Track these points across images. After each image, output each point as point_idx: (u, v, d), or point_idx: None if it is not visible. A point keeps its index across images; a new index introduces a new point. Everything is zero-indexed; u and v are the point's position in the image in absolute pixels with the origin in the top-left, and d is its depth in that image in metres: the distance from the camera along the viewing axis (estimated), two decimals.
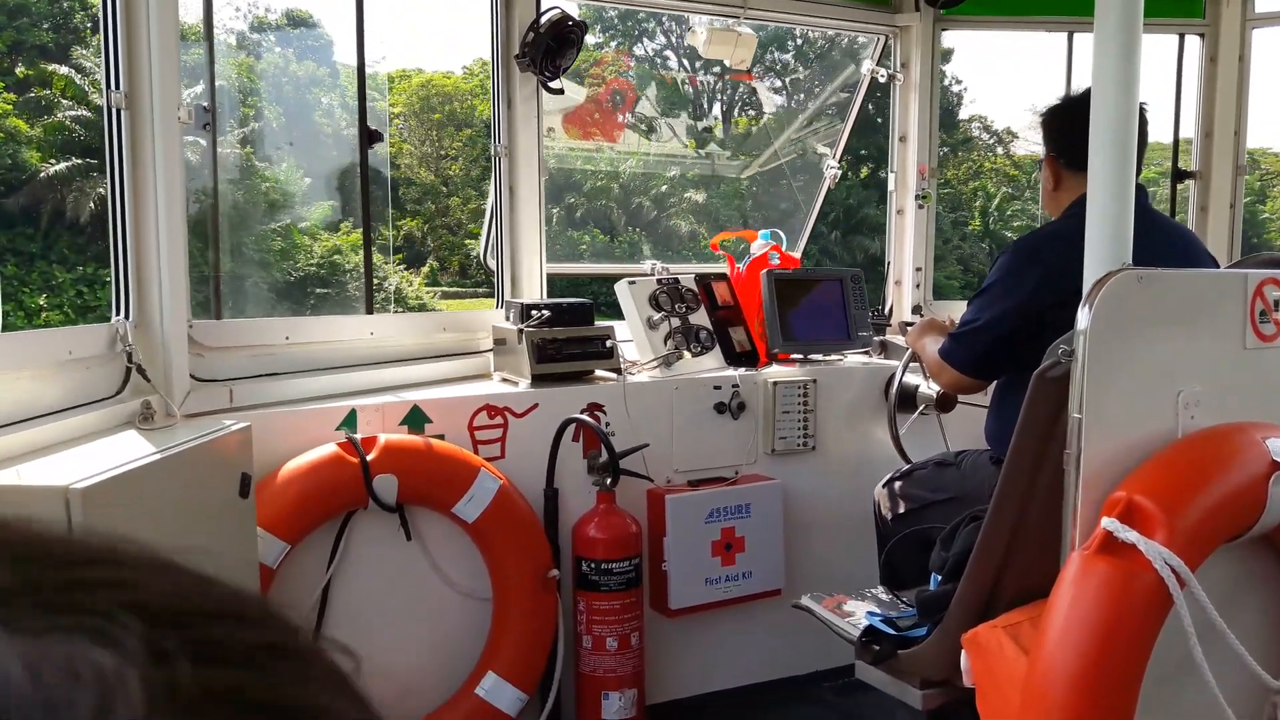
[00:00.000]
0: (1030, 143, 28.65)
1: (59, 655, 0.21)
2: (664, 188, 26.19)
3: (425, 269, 27.80)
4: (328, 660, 0.27)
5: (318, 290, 23.37)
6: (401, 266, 25.93)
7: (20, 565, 0.23)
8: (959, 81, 28.77)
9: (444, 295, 26.22)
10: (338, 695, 0.27)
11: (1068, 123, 2.75)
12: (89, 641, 0.22)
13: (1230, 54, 4.38)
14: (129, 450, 2.08)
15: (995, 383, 2.90)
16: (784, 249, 3.90)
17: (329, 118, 26.58)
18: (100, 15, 2.38)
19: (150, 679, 0.22)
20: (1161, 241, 2.57)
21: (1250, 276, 2.22)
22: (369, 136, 3.18)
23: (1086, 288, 2.07)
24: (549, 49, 3.37)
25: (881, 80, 4.31)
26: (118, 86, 2.40)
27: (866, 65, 4.34)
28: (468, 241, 26.32)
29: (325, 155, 25.60)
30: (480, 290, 25.54)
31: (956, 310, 3.60)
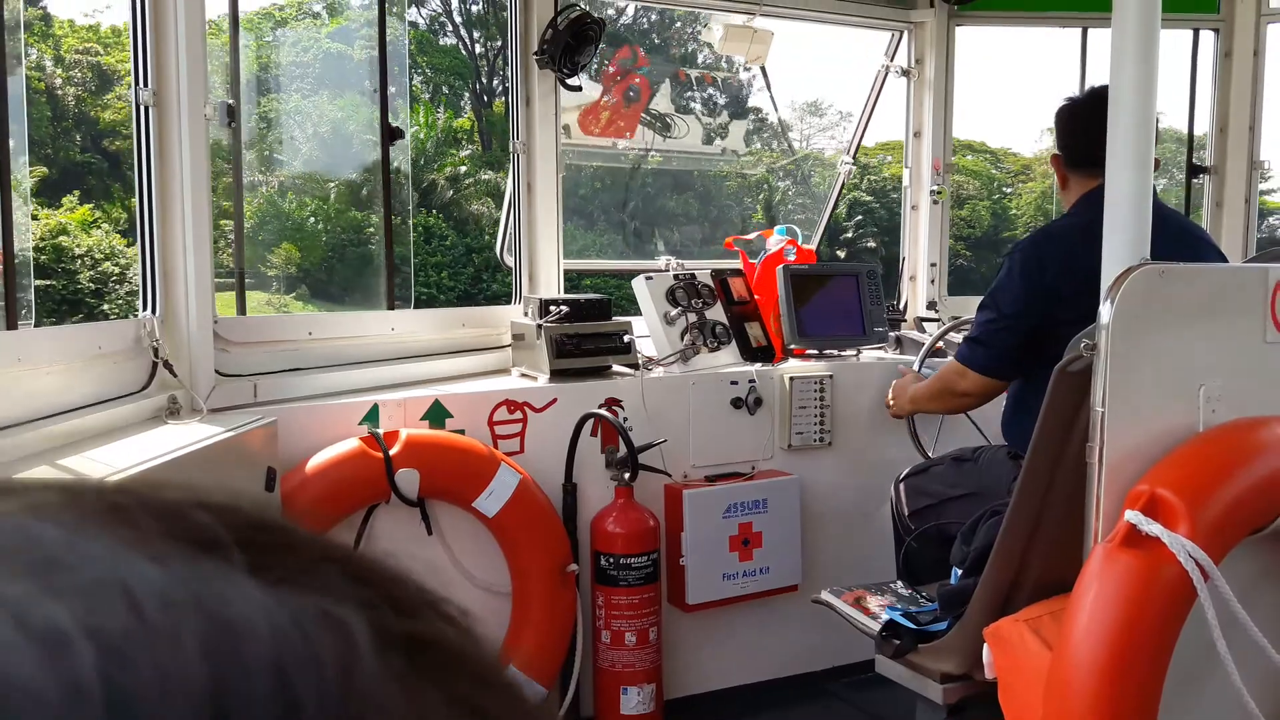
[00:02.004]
0: (802, 135, 28.39)
1: (298, 603, 0.24)
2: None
3: None
4: (471, 621, 0.30)
5: (37, 283, 17.77)
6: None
7: (237, 529, 0.26)
8: (747, 69, 28.17)
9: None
10: (489, 649, 0.30)
11: (1072, 123, 2.78)
12: (313, 593, 0.24)
13: (1245, 49, 4.38)
14: (158, 444, 2.10)
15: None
16: (799, 244, 3.91)
17: (39, 71, 21.91)
18: (129, 14, 2.40)
19: (372, 623, 0.24)
20: (1172, 237, 2.58)
21: (1271, 271, 2.23)
22: (390, 133, 3.19)
23: (1106, 283, 2.08)
24: (568, 46, 3.39)
25: (897, 76, 4.32)
26: (146, 84, 2.42)
27: (882, 61, 4.35)
28: (221, 222, 23.11)
29: (34, 114, 20.89)
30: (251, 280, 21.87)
31: (970, 305, 3.61)
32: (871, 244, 27.01)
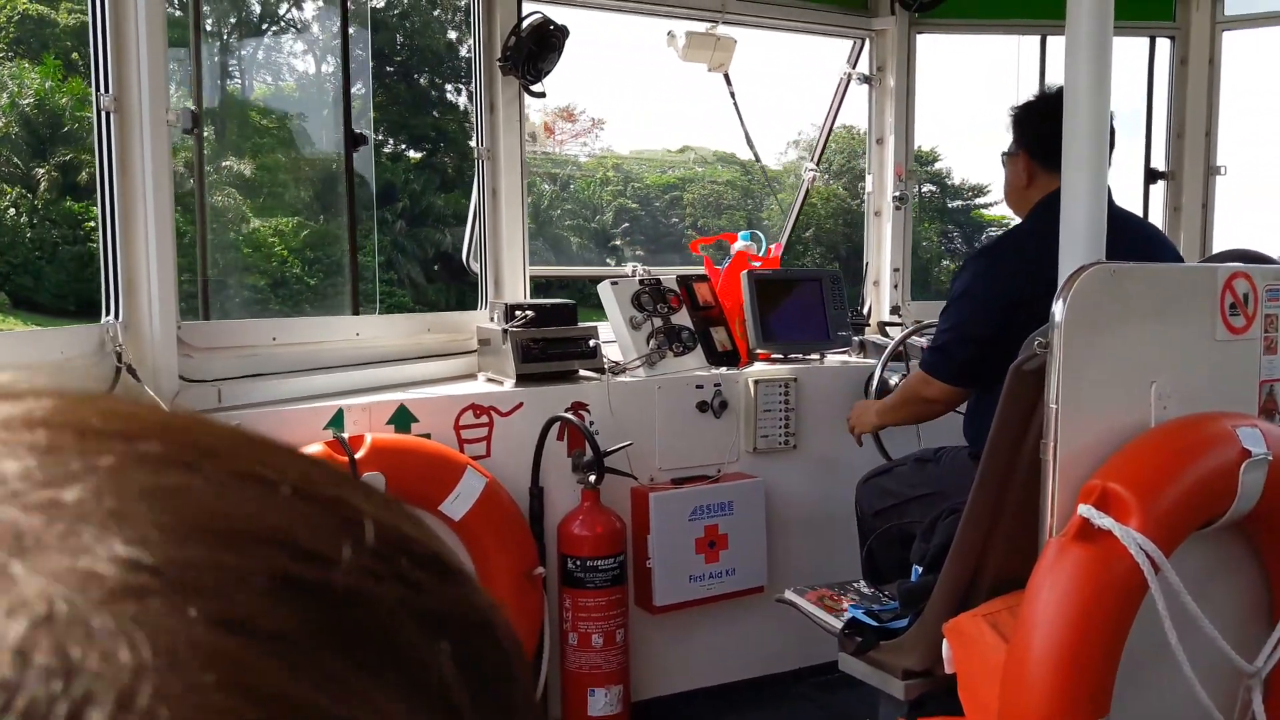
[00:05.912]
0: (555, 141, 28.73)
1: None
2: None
3: None
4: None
5: None
6: None
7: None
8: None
9: None
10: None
11: (1045, 120, 2.78)
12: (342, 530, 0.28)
13: (1200, 56, 4.46)
14: None
15: None
16: (761, 250, 3.95)
17: None
18: (89, 18, 2.39)
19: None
20: (1130, 239, 2.63)
21: (1220, 270, 2.28)
22: (354, 140, 3.20)
23: (1061, 282, 2.12)
24: (531, 53, 3.41)
25: (859, 83, 4.37)
26: (106, 90, 2.41)
27: (844, 68, 4.40)
28: None
29: None
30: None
31: (933, 310, 3.65)
32: (640, 252, 27.29)
